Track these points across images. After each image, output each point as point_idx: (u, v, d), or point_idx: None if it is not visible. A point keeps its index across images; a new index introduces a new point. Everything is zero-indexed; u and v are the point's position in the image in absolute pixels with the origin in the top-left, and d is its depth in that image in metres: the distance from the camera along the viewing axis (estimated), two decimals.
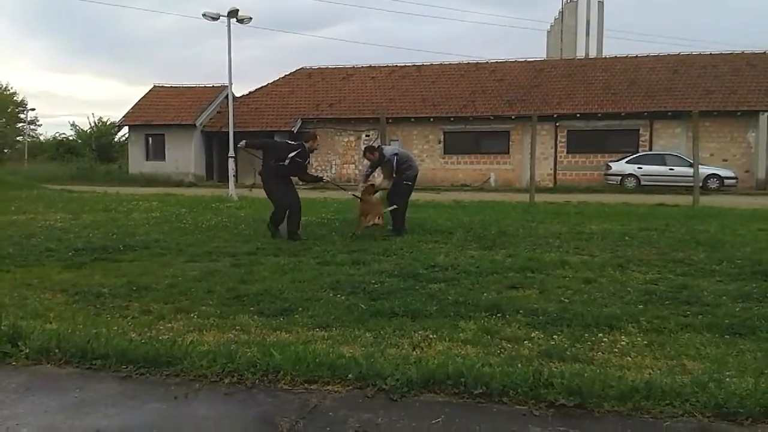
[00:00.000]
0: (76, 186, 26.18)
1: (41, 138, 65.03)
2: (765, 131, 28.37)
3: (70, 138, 52.41)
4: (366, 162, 11.30)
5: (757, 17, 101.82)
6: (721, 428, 3.25)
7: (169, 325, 5.13)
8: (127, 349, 4.23)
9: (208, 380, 3.89)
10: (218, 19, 23.53)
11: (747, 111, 28.64)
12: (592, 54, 48.42)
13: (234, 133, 23.98)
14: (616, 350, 4.45)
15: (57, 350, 4.32)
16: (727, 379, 3.70)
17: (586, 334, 4.78)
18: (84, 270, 7.49)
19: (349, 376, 3.80)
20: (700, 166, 18.82)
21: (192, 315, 5.41)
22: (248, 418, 3.47)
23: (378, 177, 10.63)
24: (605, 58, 37.07)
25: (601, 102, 30.65)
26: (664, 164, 27.45)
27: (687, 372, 3.97)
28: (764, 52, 31.64)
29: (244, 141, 10.59)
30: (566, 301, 5.83)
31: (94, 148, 48.13)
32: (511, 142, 31.72)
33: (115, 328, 4.89)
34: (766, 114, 28.36)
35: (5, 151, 61.53)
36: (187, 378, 3.93)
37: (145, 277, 6.93)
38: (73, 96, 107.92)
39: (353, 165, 33.40)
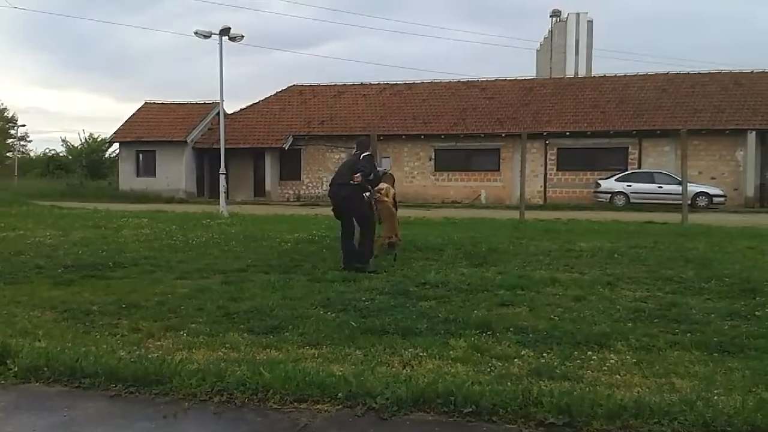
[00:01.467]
0: (66, 202, 26.05)
1: (31, 154, 64.87)
2: (753, 149, 28.61)
3: (61, 154, 52.34)
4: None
5: (743, 37, 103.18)
6: None
7: (159, 343, 5.12)
8: (116, 368, 4.21)
9: (197, 399, 3.88)
10: (210, 37, 23.61)
11: (735, 129, 28.89)
12: (582, 73, 48.78)
13: (225, 149, 24.00)
14: (606, 368, 4.46)
15: (46, 369, 4.30)
16: (715, 398, 3.73)
17: (576, 352, 4.79)
18: (73, 287, 7.45)
19: (339, 394, 3.80)
20: (688, 184, 18.94)
21: (182, 333, 5.39)
22: None
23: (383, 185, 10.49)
24: (594, 77, 37.37)
25: (591, 120, 30.87)
26: (653, 182, 27.63)
27: (675, 390, 3.98)
28: (752, 72, 31.98)
29: (359, 175, 8.76)
30: (556, 318, 5.85)
31: (85, 165, 48.00)
32: (501, 160, 31.87)
33: (105, 346, 4.86)
34: (753, 132, 28.61)
35: None
36: (177, 397, 3.92)
37: (134, 295, 6.91)
38: (64, 112, 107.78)
39: None
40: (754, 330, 5.37)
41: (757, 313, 6.01)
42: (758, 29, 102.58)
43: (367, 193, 9.35)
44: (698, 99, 30.67)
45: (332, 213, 9.27)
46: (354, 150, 9.58)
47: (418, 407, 3.69)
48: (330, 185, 9.41)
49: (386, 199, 10.32)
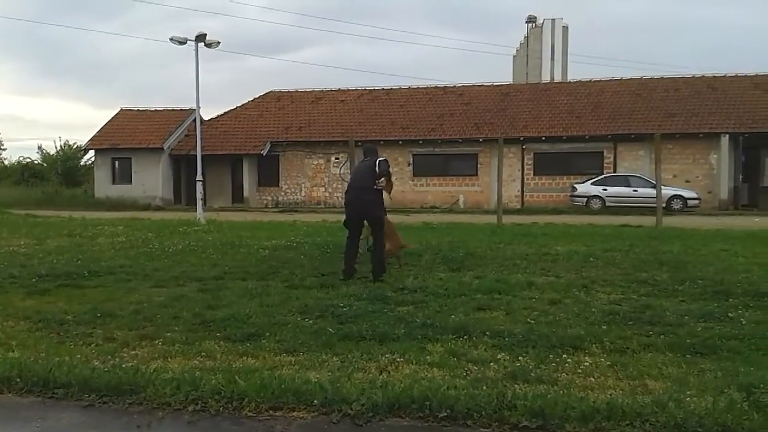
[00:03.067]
0: (40, 211, 25.75)
1: (5, 162, 63.89)
2: (726, 153, 29.00)
3: (35, 162, 51.69)
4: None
5: (717, 42, 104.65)
6: None
7: (134, 352, 5.08)
8: (90, 378, 4.18)
9: (171, 408, 3.86)
10: (185, 43, 23.46)
11: (709, 133, 29.27)
12: (557, 78, 49.16)
13: (202, 156, 23.88)
14: (580, 371, 4.50)
15: (18, 379, 4.26)
16: (687, 399, 3.78)
17: (551, 355, 4.83)
18: (48, 297, 7.37)
19: (315, 401, 3.80)
20: (663, 188, 19.13)
21: (157, 342, 5.35)
22: None
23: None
24: (570, 82, 37.71)
25: (566, 125, 31.13)
26: (629, 186, 27.91)
27: (649, 392, 4.03)
28: (725, 76, 32.44)
29: (383, 179, 8.60)
30: (532, 322, 5.89)
31: (60, 172, 47.48)
32: (479, 165, 32.03)
33: (79, 356, 4.82)
34: (727, 136, 29.00)
35: None
36: (151, 406, 3.90)
37: (109, 304, 6.85)
38: (39, 119, 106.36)
39: (323, 188, 33.45)
40: (727, 331, 5.44)
41: (730, 314, 6.09)
42: (729, 33, 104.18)
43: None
44: (672, 103, 31.06)
45: (344, 220, 8.76)
46: (363, 158, 9.12)
47: (394, 413, 3.71)
48: (347, 192, 8.86)
49: (389, 200, 9.95)
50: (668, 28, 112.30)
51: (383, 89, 36.33)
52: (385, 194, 8.80)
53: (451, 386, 3.96)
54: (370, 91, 36.36)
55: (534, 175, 31.45)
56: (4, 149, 67.98)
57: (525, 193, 31.40)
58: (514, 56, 60.65)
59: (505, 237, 13.68)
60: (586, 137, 30.39)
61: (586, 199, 28.32)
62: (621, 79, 33.81)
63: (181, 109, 35.69)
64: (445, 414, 3.62)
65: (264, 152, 33.38)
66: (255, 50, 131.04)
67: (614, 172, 29.90)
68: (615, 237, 13.71)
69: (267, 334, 5.50)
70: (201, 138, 24.39)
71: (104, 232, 15.36)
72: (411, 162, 32.81)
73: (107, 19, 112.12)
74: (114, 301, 7.00)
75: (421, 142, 32.26)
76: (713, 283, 7.70)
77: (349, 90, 36.72)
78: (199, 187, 22.80)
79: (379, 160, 8.69)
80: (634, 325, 5.76)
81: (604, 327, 5.67)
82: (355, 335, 5.40)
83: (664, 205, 20.06)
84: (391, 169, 9.17)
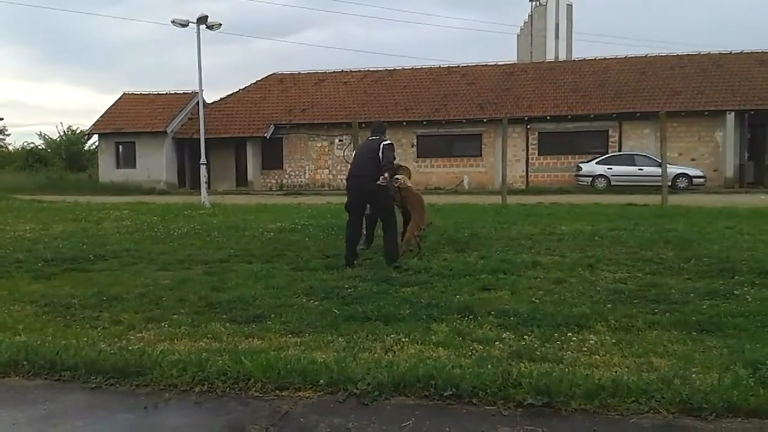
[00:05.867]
0: (45, 196, 25.81)
1: (10, 148, 63.87)
2: (732, 130, 28.83)
3: (40, 147, 51.71)
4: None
5: (722, 18, 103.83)
6: (685, 424, 3.31)
7: (140, 334, 5.10)
8: (97, 360, 4.21)
9: (178, 389, 3.88)
10: (187, 25, 23.33)
11: (714, 111, 29.08)
12: (562, 56, 48.89)
13: (205, 140, 23.84)
14: (585, 349, 4.50)
15: (25, 362, 4.29)
16: (693, 376, 3.79)
17: (556, 334, 4.83)
18: (54, 281, 7.40)
19: (321, 381, 3.82)
20: (668, 166, 19.06)
21: (163, 324, 5.38)
22: (218, 427, 3.47)
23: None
24: (574, 60, 37.46)
25: (571, 104, 30.96)
26: (634, 164, 27.76)
27: (654, 369, 4.03)
28: (730, 53, 32.19)
29: (386, 175, 7.90)
30: (537, 301, 5.89)
31: (64, 157, 47.51)
32: (483, 145, 31.91)
33: (85, 339, 4.85)
34: (732, 113, 28.82)
35: None
36: (157, 388, 3.92)
37: (115, 287, 6.87)
38: (44, 105, 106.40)
39: (327, 170, 33.40)
40: (732, 308, 5.43)
41: (735, 292, 6.08)
42: (735, 11, 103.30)
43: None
44: (677, 81, 30.85)
45: (346, 205, 8.43)
46: (369, 136, 8.56)
47: (399, 392, 3.72)
48: (348, 177, 8.39)
49: (410, 184, 9.37)
50: (673, 5, 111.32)
51: (386, 70, 36.15)
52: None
53: (456, 365, 3.98)
54: (373, 72, 36.19)
55: (539, 154, 31.32)
56: (8, 135, 67.97)
57: (530, 173, 31.30)
58: (518, 35, 60.36)
59: (510, 217, 13.66)
60: (591, 116, 30.23)
61: (591, 178, 28.20)
62: (626, 57, 33.59)
63: (184, 93, 35.62)
64: (451, 392, 3.63)
65: (267, 135, 33.30)
66: (259, 32, 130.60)
67: (619, 150, 29.76)
68: (620, 216, 13.67)
69: (272, 315, 5.52)
70: (204, 121, 24.33)
71: (109, 216, 15.40)
72: (415, 143, 32.69)
73: (112, 4, 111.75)
74: (120, 285, 7.02)
75: (424, 123, 32.13)
76: (719, 260, 7.69)
77: (351, 71, 36.55)
78: (203, 170, 22.79)
79: (384, 146, 8.03)
80: (639, 304, 5.76)
81: (610, 305, 5.67)
82: (360, 316, 5.42)
83: (669, 183, 19.98)
84: (395, 153, 8.45)
